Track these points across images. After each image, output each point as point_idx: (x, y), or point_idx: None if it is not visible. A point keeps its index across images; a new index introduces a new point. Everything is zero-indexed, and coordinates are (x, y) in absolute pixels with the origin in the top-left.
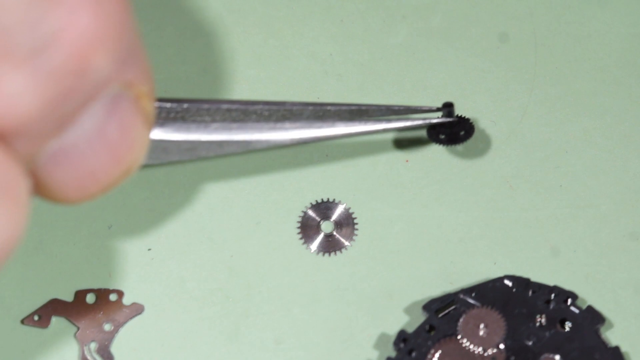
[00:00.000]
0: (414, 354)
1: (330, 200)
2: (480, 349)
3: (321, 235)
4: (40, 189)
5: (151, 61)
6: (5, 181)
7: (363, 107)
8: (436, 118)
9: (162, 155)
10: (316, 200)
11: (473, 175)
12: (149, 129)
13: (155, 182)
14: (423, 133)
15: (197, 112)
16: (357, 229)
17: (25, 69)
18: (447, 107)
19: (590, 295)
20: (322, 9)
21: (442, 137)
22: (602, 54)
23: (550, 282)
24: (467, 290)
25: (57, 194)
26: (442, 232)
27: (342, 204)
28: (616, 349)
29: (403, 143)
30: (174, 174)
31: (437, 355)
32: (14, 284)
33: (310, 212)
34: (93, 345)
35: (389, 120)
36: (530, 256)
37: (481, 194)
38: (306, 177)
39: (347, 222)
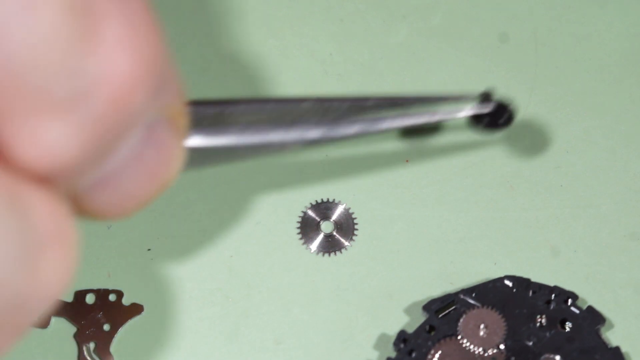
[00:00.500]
0: (414, 355)
1: (330, 200)
2: (480, 349)
3: (321, 236)
4: (77, 210)
5: None
6: (59, 228)
7: (400, 99)
8: (470, 107)
9: (198, 162)
10: (316, 201)
11: (473, 175)
12: (184, 144)
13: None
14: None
15: (232, 115)
16: (357, 229)
17: (65, 119)
18: (485, 95)
19: (590, 295)
20: (322, 9)
21: (483, 124)
22: (602, 53)
23: (551, 283)
24: (468, 291)
25: (94, 214)
26: (442, 232)
27: (342, 204)
28: (617, 349)
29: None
30: None
31: (437, 355)
32: None
33: (310, 212)
34: (92, 346)
35: (430, 113)
36: (530, 256)
37: (481, 194)
38: (306, 177)
39: (347, 222)
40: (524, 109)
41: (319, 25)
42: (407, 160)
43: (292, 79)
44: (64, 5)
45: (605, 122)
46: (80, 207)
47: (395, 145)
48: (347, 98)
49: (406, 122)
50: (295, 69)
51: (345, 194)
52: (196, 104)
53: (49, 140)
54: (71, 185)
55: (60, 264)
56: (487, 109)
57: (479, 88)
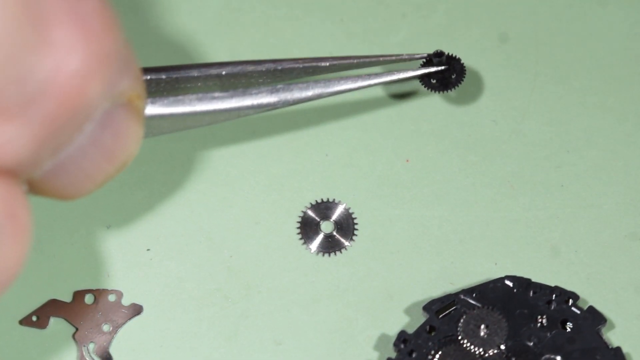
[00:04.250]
0: (414, 355)
1: (330, 200)
2: (481, 349)
3: (321, 236)
4: (36, 191)
5: (150, 61)
6: (11, 212)
7: (354, 60)
8: (423, 65)
9: (154, 130)
10: (316, 200)
11: (474, 175)
12: (142, 124)
13: (154, 182)
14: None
15: (186, 81)
16: (357, 229)
17: (17, 121)
18: (438, 56)
19: (591, 295)
20: (322, 8)
21: (435, 83)
22: (603, 53)
23: (551, 283)
24: (468, 291)
25: (53, 195)
26: (442, 232)
27: (342, 204)
28: (617, 350)
29: (399, 96)
30: (173, 173)
31: (437, 356)
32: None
33: (310, 212)
34: (92, 346)
35: (380, 75)
36: (531, 256)
37: (482, 194)
38: (306, 177)
39: (347, 222)
40: (525, 109)
41: (319, 24)
42: (407, 160)
43: None
44: (10, 12)
45: (605, 122)
46: (40, 189)
47: (395, 144)
48: (301, 59)
49: (360, 83)
50: None
51: (345, 194)
52: (151, 70)
53: (1, 140)
54: (28, 173)
55: (13, 248)
56: (438, 67)
57: (480, 88)
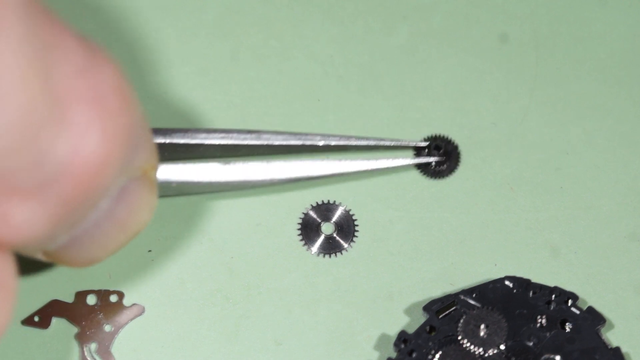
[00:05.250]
0: (414, 355)
1: (331, 201)
2: (480, 349)
3: (322, 237)
4: (50, 259)
5: (151, 62)
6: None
7: (352, 142)
8: (424, 153)
9: (160, 192)
10: (317, 202)
11: (474, 176)
12: (155, 193)
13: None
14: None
15: (190, 146)
16: (357, 230)
17: (33, 201)
18: (437, 149)
19: (590, 296)
20: (323, 10)
21: (431, 169)
22: (603, 54)
23: (551, 283)
24: (468, 291)
25: (66, 263)
26: (442, 233)
27: (342, 206)
28: (617, 350)
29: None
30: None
31: (437, 356)
32: None
33: (311, 213)
34: (93, 346)
35: (376, 160)
36: (530, 257)
37: (482, 195)
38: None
39: (347, 224)
40: (525, 110)
41: (319, 26)
42: None
43: (292, 80)
44: (29, 92)
45: (605, 123)
46: (53, 258)
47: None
48: (300, 134)
49: (355, 168)
50: (295, 70)
51: (346, 196)
52: (158, 132)
53: (17, 220)
54: (42, 247)
55: (1, 311)
56: (432, 158)
57: (480, 89)
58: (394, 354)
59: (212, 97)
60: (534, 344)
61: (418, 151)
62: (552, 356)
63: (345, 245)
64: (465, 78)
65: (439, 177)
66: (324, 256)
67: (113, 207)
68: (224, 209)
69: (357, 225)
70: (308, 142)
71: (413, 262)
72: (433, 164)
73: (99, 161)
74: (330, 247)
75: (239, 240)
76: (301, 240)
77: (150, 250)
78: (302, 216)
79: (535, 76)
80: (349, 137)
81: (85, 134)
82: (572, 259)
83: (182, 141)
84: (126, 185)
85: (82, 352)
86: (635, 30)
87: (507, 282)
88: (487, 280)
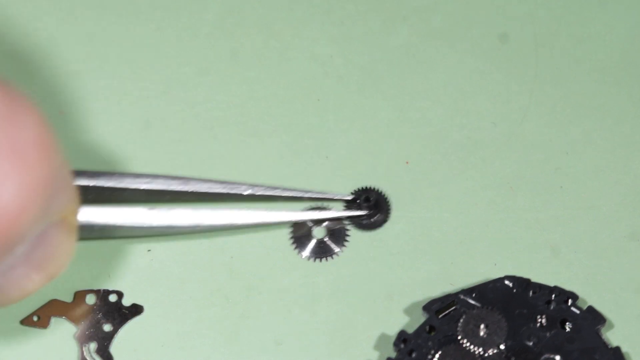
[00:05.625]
0: (414, 355)
1: (322, 206)
2: (480, 349)
3: (313, 241)
4: None
5: (151, 61)
6: None
7: (276, 194)
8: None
9: (81, 235)
10: (309, 207)
11: (473, 176)
12: (75, 238)
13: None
14: None
15: (114, 193)
16: (349, 235)
17: None
18: (366, 201)
19: (590, 295)
20: (323, 11)
21: (363, 222)
22: (603, 54)
23: (551, 283)
24: (468, 291)
25: None
26: (442, 233)
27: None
28: (617, 350)
29: None
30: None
31: (437, 355)
32: None
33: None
34: (92, 346)
35: (307, 211)
36: (530, 257)
37: (482, 195)
38: (306, 177)
39: (338, 229)
40: (525, 110)
41: (319, 27)
42: (407, 162)
43: (292, 80)
44: None
45: (605, 123)
46: None
47: (395, 146)
48: (227, 183)
49: (285, 218)
50: (295, 71)
51: (345, 195)
52: (82, 175)
53: None
54: None
55: None
56: (362, 211)
57: (479, 89)
58: (393, 354)
59: (212, 97)
60: (533, 343)
61: (348, 203)
62: (552, 356)
63: (337, 250)
64: (465, 78)
65: (372, 229)
66: (314, 260)
67: (30, 252)
68: (224, 207)
69: (348, 230)
70: (234, 191)
71: (413, 261)
72: (364, 216)
73: (15, 212)
74: (322, 252)
75: (238, 240)
76: (292, 244)
77: (149, 250)
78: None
79: (535, 76)
80: (275, 188)
81: (1, 186)
82: (572, 259)
83: (107, 184)
84: (44, 231)
85: (82, 351)
86: (635, 31)
87: (507, 282)
88: (487, 280)
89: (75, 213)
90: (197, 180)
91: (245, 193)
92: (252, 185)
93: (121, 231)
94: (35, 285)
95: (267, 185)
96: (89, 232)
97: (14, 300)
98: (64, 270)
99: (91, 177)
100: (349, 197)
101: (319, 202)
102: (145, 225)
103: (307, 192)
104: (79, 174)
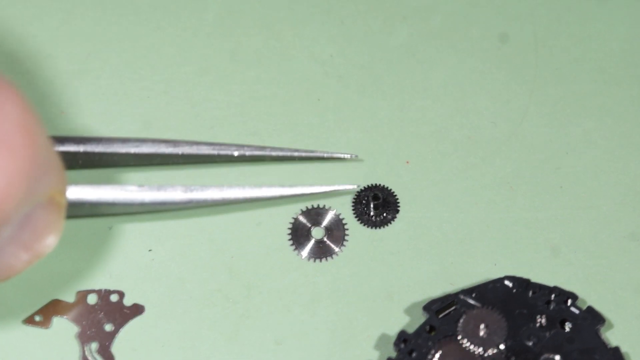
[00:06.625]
0: (414, 355)
1: (321, 206)
2: (480, 349)
3: (312, 242)
4: None
5: (151, 61)
6: None
7: (266, 153)
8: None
9: (71, 213)
10: (307, 207)
11: (473, 176)
12: (62, 217)
13: (156, 184)
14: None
15: (104, 155)
16: (347, 235)
17: None
18: (375, 199)
19: (590, 295)
20: (323, 10)
21: (369, 218)
22: (602, 54)
23: (551, 283)
24: (468, 291)
25: None
26: (442, 233)
27: (332, 210)
28: (616, 350)
29: None
30: (174, 175)
31: (437, 355)
32: (16, 285)
33: (301, 218)
34: (94, 346)
35: (302, 186)
36: (530, 257)
37: (481, 195)
38: (306, 177)
39: (337, 228)
40: (524, 110)
41: (319, 26)
42: (407, 162)
43: (292, 80)
44: None
45: (605, 123)
46: None
47: (395, 145)
48: (216, 144)
49: (276, 193)
50: (295, 70)
51: (345, 195)
52: (70, 141)
53: None
54: None
55: None
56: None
57: (480, 89)
58: (394, 354)
59: (212, 97)
60: (533, 343)
61: (355, 203)
62: (551, 356)
63: (336, 250)
64: (466, 78)
65: (379, 227)
66: (314, 261)
67: (18, 232)
68: (224, 208)
69: (347, 229)
70: (223, 152)
71: (413, 261)
72: (372, 212)
73: (0, 196)
74: (321, 252)
75: (239, 240)
76: (291, 245)
77: (150, 250)
78: (292, 221)
79: (535, 76)
80: (263, 148)
81: None
82: (572, 259)
83: (96, 150)
84: (32, 211)
85: (83, 351)
86: (635, 31)
87: (506, 282)
88: (487, 280)
89: (63, 192)
90: (185, 142)
91: (235, 154)
92: (241, 146)
93: (111, 208)
94: (24, 264)
95: (256, 145)
96: (79, 210)
97: (3, 279)
98: (52, 248)
99: (79, 142)
100: (341, 155)
101: (310, 161)
102: (136, 202)
103: (295, 150)
104: (67, 140)
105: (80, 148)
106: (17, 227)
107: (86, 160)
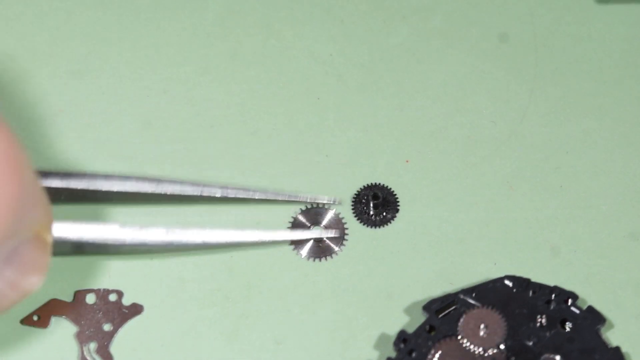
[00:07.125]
0: (414, 354)
1: (320, 205)
2: (480, 349)
3: (311, 241)
4: None
5: (151, 61)
6: None
7: (248, 196)
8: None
9: (55, 251)
10: (306, 206)
11: (473, 175)
12: (48, 255)
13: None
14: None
15: (86, 194)
16: (347, 234)
17: None
18: (375, 198)
19: (590, 295)
20: (323, 10)
21: (370, 217)
22: (602, 54)
23: (551, 283)
24: (468, 291)
25: None
26: (442, 232)
27: (332, 210)
28: (617, 349)
29: None
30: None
31: (437, 355)
32: None
33: (301, 218)
34: (92, 346)
35: (282, 232)
36: (530, 256)
37: (481, 194)
38: (306, 177)
39: (337, 228)
40: (524, 110)
41: (319, 26)
42: (407, 161)
43: (292, 79)
44: None
45: (604, 122)
46: None
47: (395, 144)
48: (195, 193)
49: (257, 238)
50: (295, 69)
51: (347, 194)
52: (54, 176)
53: None
54: None
55: None
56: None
57: (479, 89)
58: (393, 354)
59: (212, 96)
60: (533, 343)
61: (354, 203)
62: (551, 356)
63: (336, 249)
64: (465, 77)
65: (379, 226)
66: (314, 260)
67: (2, 269)
68: (223, 207)
69: (347, 229)
70: (206, 193)
71: (413, 260)
72: (372, 212)
73: None
74: (320, 251)
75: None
76: (290, 244)
77: None
78: (292, 220)
79: (535, 76)
80: (247, 190)
81: None
82: (572, 259)
83: (79, 187)
84: (16, 247)
85: (82, 351)
86: (634, 31)
87: (506, 282)
88: (487, 280)
89: (48, 229)
90: (169, 181)
91: (218, 195)
92: (224, 187)
93: (94, 247)
94: (10, 302)
95: (239, 187)
96: (62, 248)
97: None
98: (39, 286)
99: (63, 178)
100: (324, 200)
101: (295, 204)
102: (118, 243)
103: (279, 194)
104: (51, 175)
105: (63, 184)
106: (2, 264)
107: (69, 196)
